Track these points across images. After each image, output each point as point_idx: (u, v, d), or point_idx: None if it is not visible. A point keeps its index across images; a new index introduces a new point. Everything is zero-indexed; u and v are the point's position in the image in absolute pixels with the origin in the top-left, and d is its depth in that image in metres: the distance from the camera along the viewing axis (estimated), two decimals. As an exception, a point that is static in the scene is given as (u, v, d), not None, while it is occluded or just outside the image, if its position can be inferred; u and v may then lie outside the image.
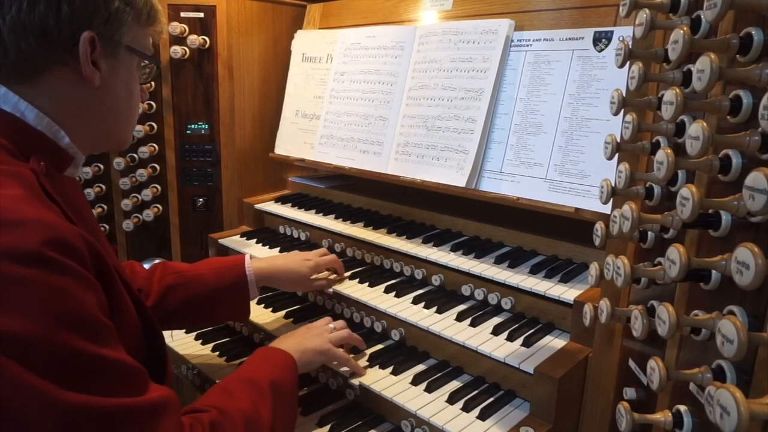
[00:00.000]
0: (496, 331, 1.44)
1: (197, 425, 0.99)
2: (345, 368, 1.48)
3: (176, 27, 2.18)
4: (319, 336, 1.44)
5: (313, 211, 2.15)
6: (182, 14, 2.21)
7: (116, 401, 0.82)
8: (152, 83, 2.24)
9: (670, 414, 0.84)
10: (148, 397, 0.88)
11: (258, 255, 1.93)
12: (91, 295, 0.84)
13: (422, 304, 1.60)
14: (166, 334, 1.84)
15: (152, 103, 2.27)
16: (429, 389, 1.38)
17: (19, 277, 0.75)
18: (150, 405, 0.87)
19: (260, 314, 1.80)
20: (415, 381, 1.42)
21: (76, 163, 1.05)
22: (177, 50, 2.18)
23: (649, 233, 0.99)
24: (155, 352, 1.09)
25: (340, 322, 1.54)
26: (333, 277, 1.78)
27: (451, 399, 1.34)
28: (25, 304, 0.75)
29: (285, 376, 1.26)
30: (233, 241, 2.17)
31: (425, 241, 1.78)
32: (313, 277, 1.71)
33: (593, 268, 1.08)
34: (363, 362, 1.51)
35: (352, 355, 1.50)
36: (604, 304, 1.02)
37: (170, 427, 0.90)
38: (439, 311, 1.55)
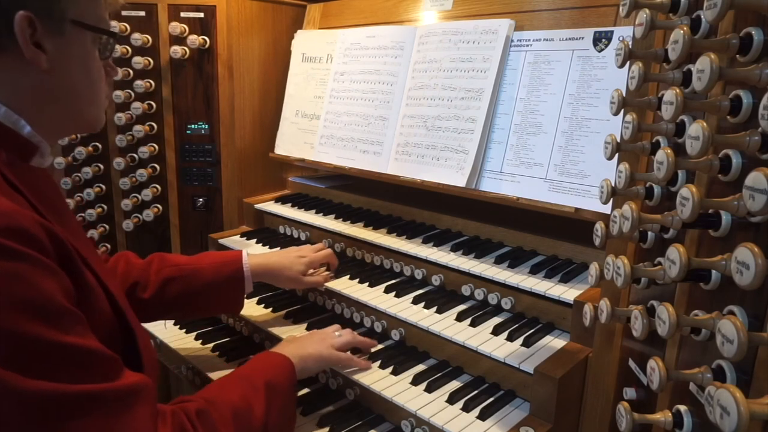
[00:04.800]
0: (496, 331, 1.44)
1: (180, 413, 0.97)
2: (348, 368, 1.47)
3: (176, 27, 2.17)
4: (321, 342, 1.43)
5: (313, 211, 2.15)
6: (182, 14, 2.21)
7: (82, 387, 0.80)
8: (152, 82, 2.24)
9: (670, 414, 0.84)
10: (119, 383, 0.86)
11: (258, 255, 1.94)
12: (53, 281, 0.82)
13: (422, 304, 1.60)
14: (161, 327, 1.86)
15: (152, 103, 2.27)
16: (429, 389, 1.38)
17: None
18: (120, 391, 0.85)
19: (260, 314, 1.80)
20: (415, 381, 1.42)
21: (42, 153, 1.00)
22: (177, 50, 2.18)
23: (649, 233, 0.99)
24: (128, 341, 1.06)
25: (347, 330, 1.53)
26: (325, 273, 1.79)
27: (451, 399, 1.34)
28: None
29: (281, 377, 1.24)
30: (233, 241, 2.17)
31: (425, 241, 1.78)
32: (309, 272, 1.72)
33: (593, 268, 1.07)
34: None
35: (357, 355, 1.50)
36: (604, 304, 1.02)
37: (143, 415, 0.87)
38: (439, 311, 1.55)
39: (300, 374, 1.33)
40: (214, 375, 1.63)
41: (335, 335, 1.48)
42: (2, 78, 0.91)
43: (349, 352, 1.49)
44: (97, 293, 0.97)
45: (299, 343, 1.43)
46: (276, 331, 1.70)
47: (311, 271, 1.75)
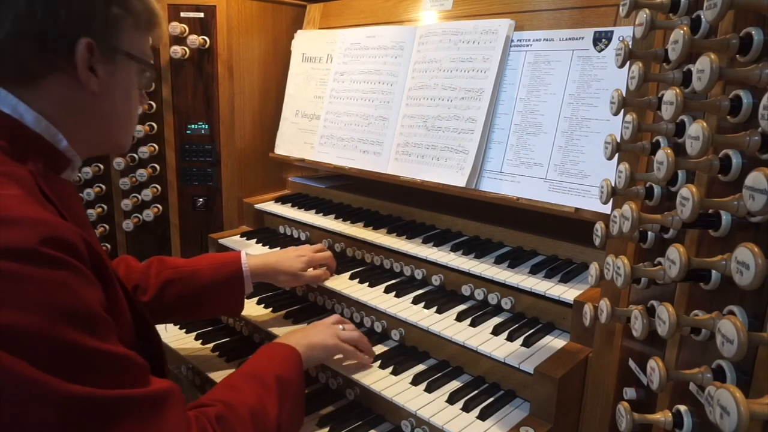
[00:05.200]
0: (496, 331, 1.44)
1: (203, 418, 0.99)
2: (348, 364, 1.48)
3: (176, 27, 2.18)
4: (325, 331, 1.45)
5: (313, 211, 2.15)
6: (182, 14, 2.21)
7: (119, 392, 0.82)
8: (152, 83, 2.24)
9: (670, 414, 0.84)
10: (152, 388, 0.88)
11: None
12: (91, 290, 0.85)
13: (422, 304, 1.60)
14: (161, 329, 1.87)
15: (152, 103, 2.27)
16: (429, 389, 1.38)
17: (15, 273, 0.75)
18: (153, 396, 0.88)
19: (260, 314, 1.80)
20: (415, 381, 1.42)
21: (73, 166, 1.05)
22: (177, 50, 2.18)
23: (649, 233, 0.99)
24: (151, 351, 1.09)
25: (350, 325, 1.54)
26: (323, 270, 1.78)
27: (451, 399, 1.34)
28: (22, 299, 0.75)
29: (290, 370, 1.26)
30: (233, 241, 2.17)
31: (425, 241, 1.78)
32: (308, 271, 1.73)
33: (593, 268, 1.08)
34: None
35: None
36: (604, 304, 1.02)
37: (174, 419, 0.90)
38: (439, 311, 1.55)
39: (306, 364, 1.35)
40: (214, 375, 1.63)
41: (340, 327, 1.49)
42: (51, 95, 0.97)
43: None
44: (122, 303, 1.00)
45: (304, 332, 1.44)
46: (276, 331, 1.70)
47: (310, 269, 1.75)
